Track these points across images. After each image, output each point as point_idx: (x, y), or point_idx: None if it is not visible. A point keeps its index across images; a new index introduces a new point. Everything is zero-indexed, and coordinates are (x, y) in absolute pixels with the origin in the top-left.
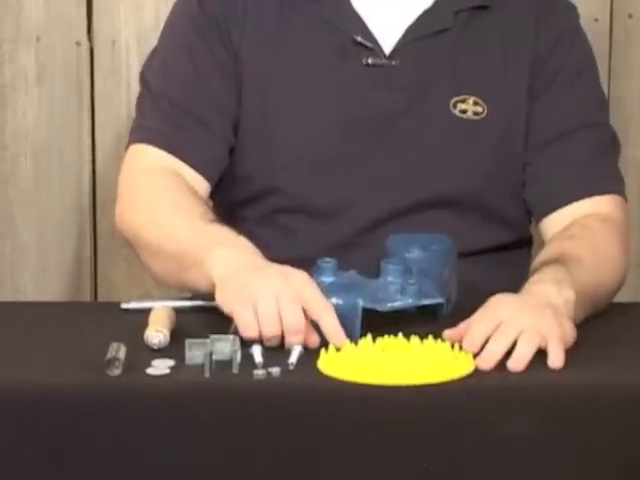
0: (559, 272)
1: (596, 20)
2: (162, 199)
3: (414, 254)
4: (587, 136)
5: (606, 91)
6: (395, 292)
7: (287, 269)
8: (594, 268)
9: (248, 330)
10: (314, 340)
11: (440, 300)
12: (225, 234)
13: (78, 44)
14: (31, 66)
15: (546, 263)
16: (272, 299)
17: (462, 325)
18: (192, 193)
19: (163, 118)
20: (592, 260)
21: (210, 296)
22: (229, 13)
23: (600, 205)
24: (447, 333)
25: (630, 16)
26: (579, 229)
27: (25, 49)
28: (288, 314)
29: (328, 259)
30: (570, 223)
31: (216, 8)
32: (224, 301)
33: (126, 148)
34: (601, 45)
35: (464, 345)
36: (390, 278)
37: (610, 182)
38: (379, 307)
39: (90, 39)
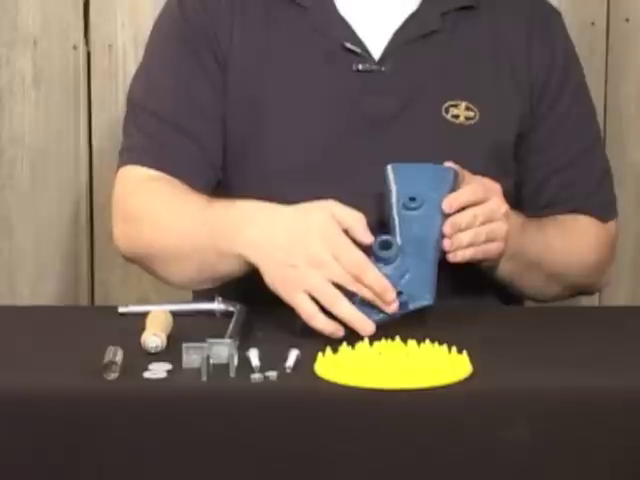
0: (518, 219)
1: (593, 24)
2: (161, 204)
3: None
4: (592, 160)
5: (603, 95)
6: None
7: (313, 221)
8: (560, 249)
9: (315, 320)
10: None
11: (426, 302)
12: (233, 210)
13: (75, 48)
14: (28, 70)
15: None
16: (321, 277)
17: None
18: (186, 188)
19: (150, 137)
20: (561, 243)
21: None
22: (215, 23)
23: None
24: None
25: (627, 20)
26: (569, 220)
27: (22, 53)
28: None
29: None
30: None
31: (201, 19)
32: (280, 290)
33: (116, 171)
34: (598, 49)
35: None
36: (381, 265)
37: (612, 208)
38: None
39: (87, 43)
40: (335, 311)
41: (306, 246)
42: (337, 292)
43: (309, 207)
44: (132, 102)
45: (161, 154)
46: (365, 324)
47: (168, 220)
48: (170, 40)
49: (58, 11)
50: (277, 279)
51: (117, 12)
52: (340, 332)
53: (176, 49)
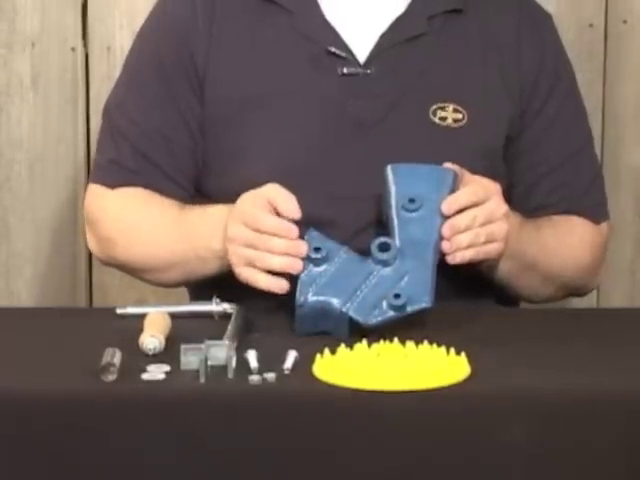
0: (516, 218)
1: (591, 26)
2: (134, 220)
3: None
4: (582, 163)
5: (600, 97)
6: (382, 296)
7: (238, 211)
8: (555, 250)
9: (258, 282)
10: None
11: (425, 305)
12: (206, 218)
13: (73, 50)
14: (26, 72)
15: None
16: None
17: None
18: (159, 197)
19: (118, 161)
20: (555, 243)
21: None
22: (191, 43)
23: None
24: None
25: (625, 22)
26: (563, 220)
27: (20, 55)
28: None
29: (316, 247)
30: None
31: (178, 37)
32: (235, 274)
33: (89, 182)
34: (596, 51)
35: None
36: (380, 267)
37: (604, 210)
38: (363, 321)
39: (85, 45)
40: (267, 267)
41: (227, 229)
42: (257, 252)
43: (250, 193)
44: (108, 113)
45: (128, 179)
46: (295, 262)
47: (142, 236)
48: (144, 62)
49: (56, 13)
50: (232, 266)
51: (115, 14)
52: (284, 284)
53: (148, 74)
